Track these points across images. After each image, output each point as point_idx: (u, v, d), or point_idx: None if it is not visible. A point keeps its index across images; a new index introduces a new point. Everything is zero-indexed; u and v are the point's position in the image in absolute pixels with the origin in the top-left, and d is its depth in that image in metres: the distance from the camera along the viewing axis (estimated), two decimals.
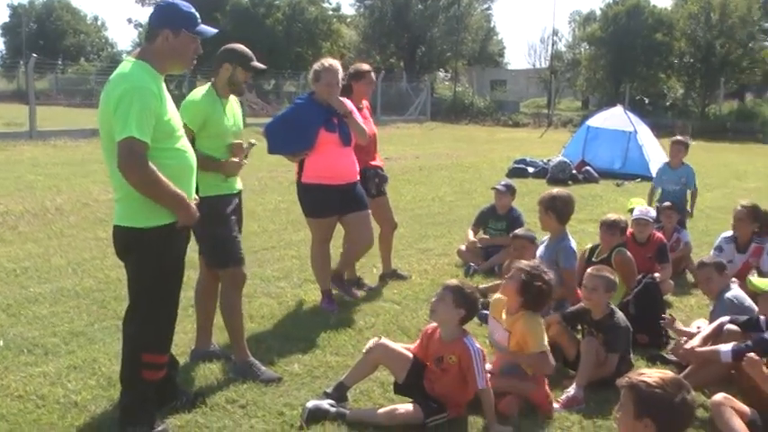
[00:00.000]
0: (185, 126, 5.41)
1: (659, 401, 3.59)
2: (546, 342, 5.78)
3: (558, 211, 7.65)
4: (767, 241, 8.95)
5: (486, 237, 10.30)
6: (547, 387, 5.84)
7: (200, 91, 6.23)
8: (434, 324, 5.57)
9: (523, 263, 6.03)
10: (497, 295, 6.17)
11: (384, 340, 5.71)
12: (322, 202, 7.79)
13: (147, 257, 4.88)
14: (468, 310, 5.36)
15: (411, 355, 5.59)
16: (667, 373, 3.76)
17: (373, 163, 8.81)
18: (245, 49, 6.30)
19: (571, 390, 5.93)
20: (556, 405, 5.77)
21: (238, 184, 6.33)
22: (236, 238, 6.13)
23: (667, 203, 10.59)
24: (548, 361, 5.76)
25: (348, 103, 7.86)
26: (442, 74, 60.51)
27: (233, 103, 6.35)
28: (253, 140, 6.38)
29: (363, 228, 8.01)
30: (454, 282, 5.42)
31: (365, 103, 8.80)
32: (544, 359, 5.75)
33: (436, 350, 5.48)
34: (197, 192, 5.23)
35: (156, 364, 5.05)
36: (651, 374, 3.73)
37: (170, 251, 4.95)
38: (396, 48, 58.25)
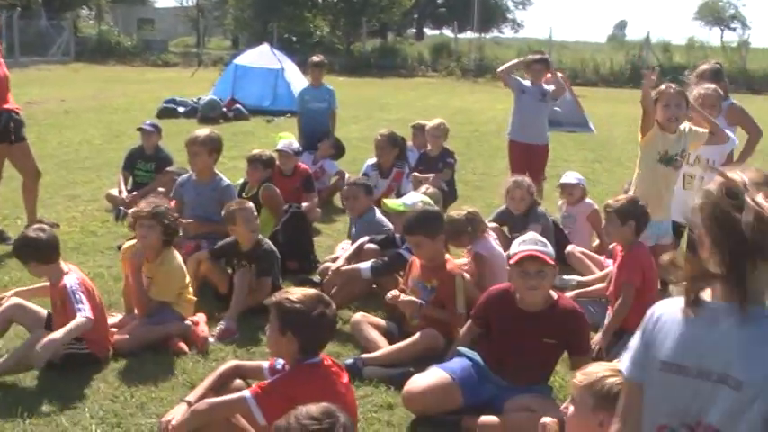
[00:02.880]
0: None
1: (299, 316, 3.73)
2: None
3: None
4: (405, 165, 9.61)
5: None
6: (204, 326, 5.86)
7: None
8: None
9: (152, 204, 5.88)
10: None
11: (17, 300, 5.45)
12: None
13: None
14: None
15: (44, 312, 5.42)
16: (309, 291, 3.90)
17: (7, 106, 8.11)
18: None
19: (224, 322, 6.00)
20: (211, 339, 5.81)
21: None
22: None
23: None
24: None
25: None
26: (85, 11, 57.05)
27: None
28: None
29: None
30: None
31: None
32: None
33: None
34: None
35: None
36: (294, 292, 3.87)
37: None
38: None
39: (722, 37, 73.69)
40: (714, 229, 2.21)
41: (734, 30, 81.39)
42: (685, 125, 6.21)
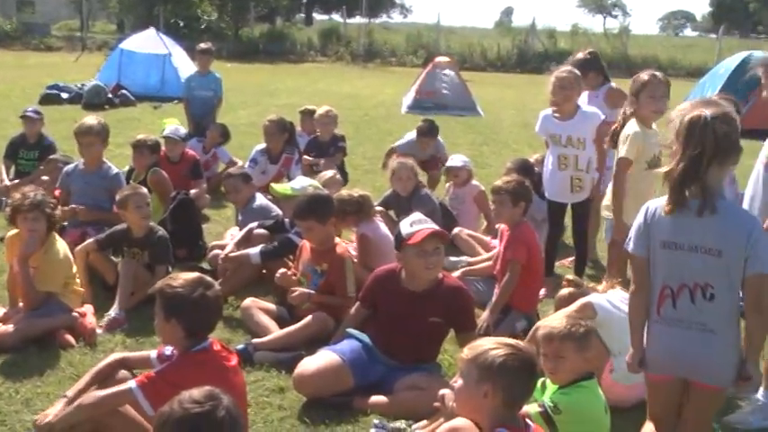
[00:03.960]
0: None
1: (180, 300, 3.73)
2: None
3: None
4: (295, 150, 9.61)
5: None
6: (92, 317, 5.76)
7: None
8: None
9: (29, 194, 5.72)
10: None
11: None
12: None
13: None
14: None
15: None
16: (190, 275, 3.89)
17: None
18: None
19: (112, 312, 5.92)
20: (99, 330, 5.72)
21: None
22: None
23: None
24: None
25: None
26: None
27: None
28: None
29: None
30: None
31: None
32: None
33: None
34: None
35: None
36: (177, 277, 3.85)
37: None
38: None
39: (605, 24, 76.06)
40: (690, 140, 3.32)
41: (615, 17, 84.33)
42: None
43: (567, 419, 3.75)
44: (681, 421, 3.72)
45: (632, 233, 3.57)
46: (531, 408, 3.76)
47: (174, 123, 9.94)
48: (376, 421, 4.51)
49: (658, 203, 3.50)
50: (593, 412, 3.89)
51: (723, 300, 3.42)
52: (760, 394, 4.56)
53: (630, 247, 3.57)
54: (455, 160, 8.48)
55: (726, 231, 3.38)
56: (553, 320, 4.05)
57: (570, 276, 5.57)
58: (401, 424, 4.46)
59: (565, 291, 5.38)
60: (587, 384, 3.91)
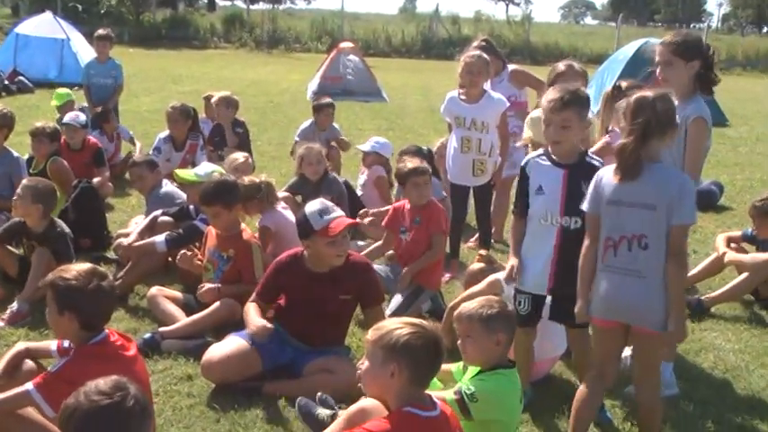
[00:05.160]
0: None
1: (75, 293, 3.62)
2: None
3: None
4: (200, 137, 9.52)
5: None
6: None
7: None
8: None
9: None
10: None
11: None
12: None
13: None
14: None
15: None
16: (83, 266, 3.76)
17: None
18: None
19: (15, 305, 5.79)
20: (0, 323, 5.59)
21: None
22: None
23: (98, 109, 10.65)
24: None
25: None
26: None
27: None
28: None
29: None
30: None
31: None
32: None
33: None
34: None
35: None
36: (69, 269, 3.73)
37: None
38: None
39: (507, 11, 77.36)
40: (636, 116, 3.88)
41: (518, 5, 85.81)
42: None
43: (481, 407, 3.79)
44: (632, 369, 4.34)
45: (587, 196, 4.11)
46: (447, 394, 3.81)
47: (64, 94, 9.81)
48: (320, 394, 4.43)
49: (607, 171, 4.05)
50: (508, 401, 3.93)
51: (655, 248, 3.90)
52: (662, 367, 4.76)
53: (585, 206, 4.10)
54: (366, 144, 8.62)
55: (659, 188, 3.88)
56: (470, 302, 4.14)
57: (483, 252, 5.70)
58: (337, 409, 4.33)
59: (476, 266, 5.52)
60: (506, 373, 3.95)
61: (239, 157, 7.66)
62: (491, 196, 7.25)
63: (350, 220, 4.97)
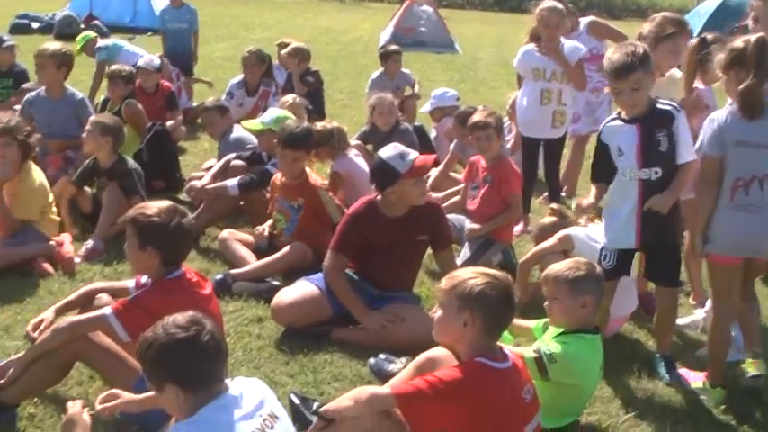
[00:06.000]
0: None
1: (157, 229, 3.71)
2: None
3: None
4: (273, 83, 9.54)
5: None
6: (69, 246, 5.74)
7: None
8: None
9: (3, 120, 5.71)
10: None
11: None
12: None
13: None
14: None
15: None
16: (163, 203, 3.85)
17: None
18: None
19: (90, 242, 5.91)
20: (77, 259, 5.72)
21: None
22: None
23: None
24: None
25: None
26: None
27: None
28: None
29: None
30: None
31: None
32: None
33: None
34: None
35: None
36: (149, 206, 3.82)
37: None
38: None
39: None
40: (761, 58, 4.02)
41: None
42: None
43: (559, 369, 3.74)
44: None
45: (704, 140, 4.19)
46: (525, 351, 3.78)
47: (89, 35, 10.04)
48: (382, 356, 4.46)
49: (723, 113, 4.16)
50: (587, 367, 3.87)
51: None
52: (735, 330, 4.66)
53: (705, 149, 4.18)
54: (426, 105, 8.56)
55: None
56: (559, 263, 4.08)
57: (555, 206, 5.61)
58: (398, 364, 4.34)
59: (547, 220, 5.43)
60: (589, 338, 3.88)
61: (288, 98, 7.59)
62: (561, 151, 7.12)
63: (432, 157, 4.99)
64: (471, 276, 3.27)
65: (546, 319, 4.12)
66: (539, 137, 6.92)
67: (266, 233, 5.92)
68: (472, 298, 3.19)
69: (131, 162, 6.41)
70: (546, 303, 4.00)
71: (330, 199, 5.72)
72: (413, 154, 4.82)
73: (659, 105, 4.35)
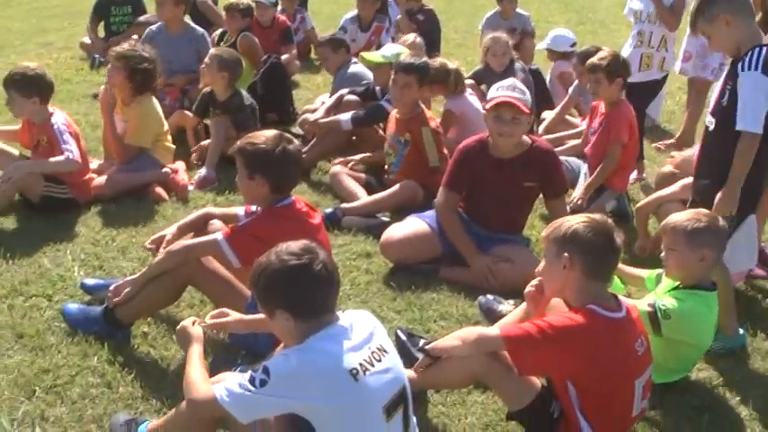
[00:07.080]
0: None
1: (263, 156, 3.71)
2: None
3: None
4: (386, 19, 9.44)
5: None
6: (183, 174, 5.89)
7: None
8: None
9: (123, 47, 5.81)
10: None
11: None
12: None
13: None
14: None
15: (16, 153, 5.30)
16: (269, 132, 3.86)
17: None
18: None
19: (203, 170, 6.01)
20: (190, 187, 5.84)
21: None
22: None
23: None
24: None
25: None
26: None
27: None
28: None
29: None
30: None
31: None
32: None
33: None
34: None
35: None
36: (256, 135, 3.83)
37: None
38: None
39: None
40: None
41: None
42: None
43: (673, 326, 3.61)
44: None
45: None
46: (640, 303, 3.64)
47: None
48: (491, 296, 4.42)
49: None
50: (702, 326, 3.73)
51: None
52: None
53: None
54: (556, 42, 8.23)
55: None
56: (679, 213, 3.92)
57: (676, 153, 5.39)
58: (507, 305, 4.30)
59: (667, 168, 5.24)
60: (705, 295, 3.73)
61: (409, 38, 7.48)
62: (647, 98, 6.78)
63: (513, 99, 4.60)
64: (568, 219, 3.20)
65: (660, 270, 3.98)
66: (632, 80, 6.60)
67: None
68: (567, 239, 3.11)
69: (247, 96, 6.46)
70: (662, 254, 3.84)
71: (432, 141, 5.59)
72: (507, 91, 4.65)
73: (745, 55, 3.92)
